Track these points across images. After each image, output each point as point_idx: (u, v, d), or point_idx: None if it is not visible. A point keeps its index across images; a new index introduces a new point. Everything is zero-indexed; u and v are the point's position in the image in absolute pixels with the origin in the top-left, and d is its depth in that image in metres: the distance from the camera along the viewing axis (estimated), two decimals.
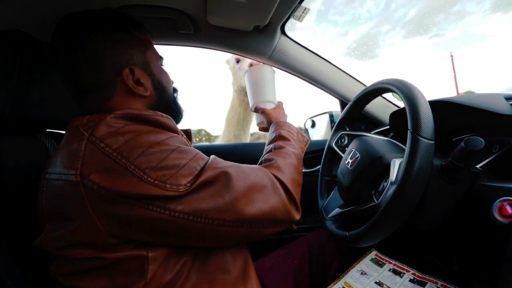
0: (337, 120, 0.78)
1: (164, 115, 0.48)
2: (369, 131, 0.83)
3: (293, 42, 0.89)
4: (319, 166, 1.06)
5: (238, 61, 1.15)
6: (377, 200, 0.50)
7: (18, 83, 0.50)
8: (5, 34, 0.51)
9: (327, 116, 1.24)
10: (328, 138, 0.80)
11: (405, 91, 0.49)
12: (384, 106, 0.97)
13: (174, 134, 0.47)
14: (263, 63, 0.92)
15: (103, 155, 0.39)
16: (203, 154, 0.46)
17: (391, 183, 0.47)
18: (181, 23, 0.78)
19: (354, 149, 0.63)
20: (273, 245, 0.85)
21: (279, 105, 0.79)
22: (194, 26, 0.79)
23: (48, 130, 0.69)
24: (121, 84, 0.49)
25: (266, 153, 0.58)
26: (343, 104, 1.05)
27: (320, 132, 1.35)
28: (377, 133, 0.85)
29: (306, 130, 1.38)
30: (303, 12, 0.77)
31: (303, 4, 0.74)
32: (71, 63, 0.47)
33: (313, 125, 1.37)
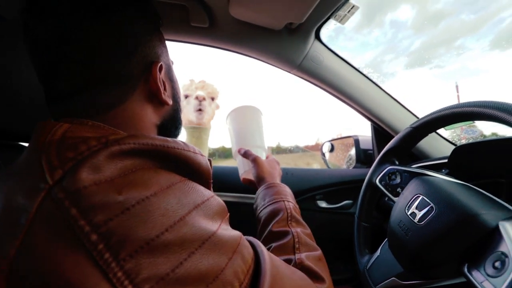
0: (383, 150, 0.60)
1: (196, 149, 0.32)
2: (405, 164, 0.66)
3: (328, 50, 0.73)
4: (345, 202, 0.89)
5: (186, 96, 1.15)
6: (483, 286, 0.32)
7: None
8: None
9: (350, 141, 1.07)
10: (369, 171, 0.62)
11: None
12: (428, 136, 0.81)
13: (208, 189, 0.31)
14: (289, 72, 0.76)
15: (72, 240, 0.20)
16: (244, 238, 0.30)
17: None
18: (195, 13, 0.62)
19: (421, 195, 0.45)
20: None
21: (273, 158, 0.64)
22: (210, 18, 0.63)
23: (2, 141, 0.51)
24: (144, 84, 0.35)
25: (278, 239, 0.43)
26: (376, 130, 0.88)
27: (338, 159, 1.18)
28: (423, 168, 0.68)
29: (323, 154, 1.21)
30: (349, 11, 0.61)
31: (351, 0, 0.59)
32: (83, 38, 0.30)
33: (332, 149, 1.20)
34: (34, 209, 0.21)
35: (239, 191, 0.71)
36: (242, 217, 0.80)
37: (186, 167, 0.29)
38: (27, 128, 0.51)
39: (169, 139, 0.28)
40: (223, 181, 0.88)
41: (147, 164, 0.25)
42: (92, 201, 0.20)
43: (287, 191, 0.53)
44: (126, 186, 0.22)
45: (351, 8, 0.60)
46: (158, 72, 0.35)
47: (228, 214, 0.31)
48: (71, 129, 0.26)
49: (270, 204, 0.48)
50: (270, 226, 0.44)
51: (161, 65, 0.36)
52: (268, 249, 0.40)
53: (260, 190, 0.54)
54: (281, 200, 0.49)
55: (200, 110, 1.12)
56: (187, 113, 1.14)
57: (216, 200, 0.29)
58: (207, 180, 0.32)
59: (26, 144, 0.53)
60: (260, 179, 0.56)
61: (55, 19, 0.30)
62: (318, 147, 1.32)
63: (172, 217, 0.22)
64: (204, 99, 1.13)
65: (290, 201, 0.49)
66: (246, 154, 0.61)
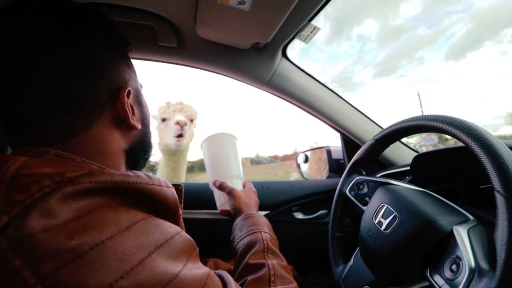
0: (351, 162, 0.63)
1: (162, 181, 0.30)
2: (373, 173, 0.69)
3: (295, 67, 0.76)
4: (320, 212, 0.91)
5: (164, 119, 1.13)
6: None
7: None
8: None
9: (323, 152, 1.11)
10: (339, 182, 0.65)
11: (474, 134, 0.36)
12: (393, 145, 0.86)
13: (174, 224, 0.29)
14: (259, 88, 0.78)
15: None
16: (214, 275, 0.29)
17: (471, 271, 0.32)
18: (162, 33, 0.62)
19: (386, 204, 0.47)
20: None
21: (250, 187, 0.66)
22: (178, 38, 0.63)
23: None
24: (111, 109, 0.35)
25: (254, 272, 0.42)
26: (346, 141, 0.92)
27: (313, 169, 1.21)
28: (387, 176, 0.72)
29: (298, 166, 1.23)
30: (311, 32, 0.65)
31: (313, 22, 0.62)
32: (44, 64, 0.29)
33: (306, 160, 1.23)
34: None
35: (215, 208, 0.71)
36: (219, 234, 0.78)
37: (151, 202, 0.27)
38: None
39: (130, 173, 0.27)
40: (198, 199, 0.87)
41: (107, 202, 0.24)
42: (39, 250, 0.19)
43: (264, 221, 0.53)
44: (79, 230, 0.21)
45: (313, 29, 0.63)
46: (126, 98, 0.35)
47: (197, 249, 0.30)
48: (27, 163, 0.24)
49: (247, 235, 0.49)
50: (246, 258, 0.44)
51: (129, 90, 0.36)
52: (243, 283, 0.40)
53: (238, 221, 0.54)
54: (258, 231, 0.49)
55: (181, 135, 1.10)
56: (165, 137, 1.11)
57: (182, 237, 0.28)
58: (175, 213, 0.30)
59: None
60: (237, 211, 0.57)
61: (13, 45, 0.29)
62: (295, 156, 1.36)
63: (130, 261, 0.21)
64: (185, 124, 1.11)
65: (267, 232, 0.50)
66: (221, 187, 0.62)
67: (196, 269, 0.26)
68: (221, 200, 0.64)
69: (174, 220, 0.30)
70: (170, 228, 0.27)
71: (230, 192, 0.60)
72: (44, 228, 0.19)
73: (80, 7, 0.34)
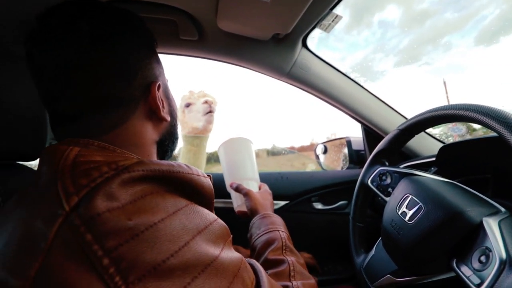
0: (373, 152, 0.62)
1: (199, 171, 0.33)
2: (396, 164, 0.67)
3: (315, 57, 0.75)
4: (340, 203, 0.91)
5: (188, 105, 1.13)
6: (470, 280, 0.34)
7: None
8: None
9: (342, 143, 1.10)
10: (361, 173, 0.64)
11: (508, 123, 0.34)
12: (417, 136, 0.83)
13: (211, 210, 0.32)
14: (279, 79, 0.78)
15: (86, 264, 0.21)
16: (246, 261, 0.31)
17: (501, 262, 0.31)
18: (184, 27, 0.63)
19: (410, 195, 0.47)
20: None
21: (265, 188, 0.68)
22: (199, 31, 0.64)
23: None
24: (144, 104, 0.37)
25: (274, 267, 0.44)
26: (367, 131, 0.91)
27: (332, 160, 1.20)
28: (411, 167, 0.70)
29: (317, 157, 1.23)
30: (333, 20, 0.63)
31: (335, 10, 0.61)
32: (85, 65, 0.31)
33: (325, 151, 1.22)
34: (52, 234, 0.22)
35: (229, 197, 0.73)
36: (236, 222, 0.81)
37: (191, 190, 0.30)
38: (20, 146, 0.51)
39: (174, 163, 0.29)
40: (216, 188, 0.89)
41: (155, 189, 0.26)
42: (105, 228, 0.22)
43: (280, 221, 0.55)
44: (136, 212, 0.23)
45: (335, 18, 0.62)
46: (157, 91, 0.37)
47: (231, 236, 0.32)
48: (81, 152, 0.27)
49: (266, 233, 0.50)
50: (265, 254, 0.46)
51: (159, 84, 0.38)
52: None
53: (255, 220, 0.56)
54: (275, 230, 0.51)
55: (211, 112, 1.10)
56: (189, 120, 1.12)
57: (219, 223, 0.30)
58: (210, 201, 0.33)
59: (23, 163, 0.53)
60: (253, 212, 0.59)
61: (58, 48, 0.31)
62: (313, 147, 1.35)
63: (177, 242, 0.23)
64: (212, 102, 1.12)
65: (283, 231, 0.51)
66: (238, 189, 0.64)
67: (231, 253, 0.28)
68: (237, 202, 0.66)
69: (209, 208, 0.32)
70: (209, 215, 0.29)
71: (246, 194, 0.62)
72: (108, 209, 0.22)
73: (113, 9, 0.35)
